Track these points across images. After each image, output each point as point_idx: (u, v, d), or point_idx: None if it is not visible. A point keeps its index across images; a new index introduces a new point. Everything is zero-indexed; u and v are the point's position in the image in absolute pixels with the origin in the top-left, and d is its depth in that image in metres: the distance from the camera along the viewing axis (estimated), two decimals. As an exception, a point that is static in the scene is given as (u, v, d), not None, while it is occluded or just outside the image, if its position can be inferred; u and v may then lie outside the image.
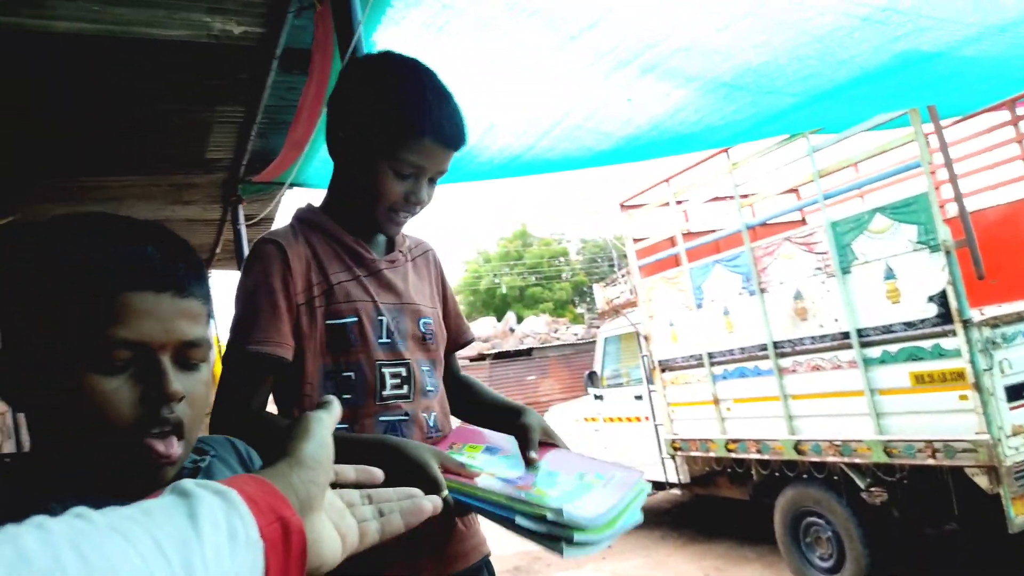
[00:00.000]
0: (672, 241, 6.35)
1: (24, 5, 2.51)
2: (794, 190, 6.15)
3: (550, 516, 1.08)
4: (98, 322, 0.70)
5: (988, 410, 3.85)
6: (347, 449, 0.88)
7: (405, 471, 1.18)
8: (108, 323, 0.70)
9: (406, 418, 1.40)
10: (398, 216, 1.40)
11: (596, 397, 8.01)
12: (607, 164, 3.63)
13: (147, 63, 3.08)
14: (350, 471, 0.75)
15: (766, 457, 5.33)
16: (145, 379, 0.72)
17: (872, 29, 2.43)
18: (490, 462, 1.32)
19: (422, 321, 1.47)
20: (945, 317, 4.01)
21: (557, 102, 2.88)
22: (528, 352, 19.83)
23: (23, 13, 2.56)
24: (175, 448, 0.74)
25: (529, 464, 1.30)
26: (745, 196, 5.57)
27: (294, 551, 0.56)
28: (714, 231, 6.27)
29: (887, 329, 4.33)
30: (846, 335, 4.56)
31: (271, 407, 1.38)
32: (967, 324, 3.92)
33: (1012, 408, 3.91)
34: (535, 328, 22.40)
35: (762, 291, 5.18)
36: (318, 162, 3.77)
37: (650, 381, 6.79)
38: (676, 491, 6.91)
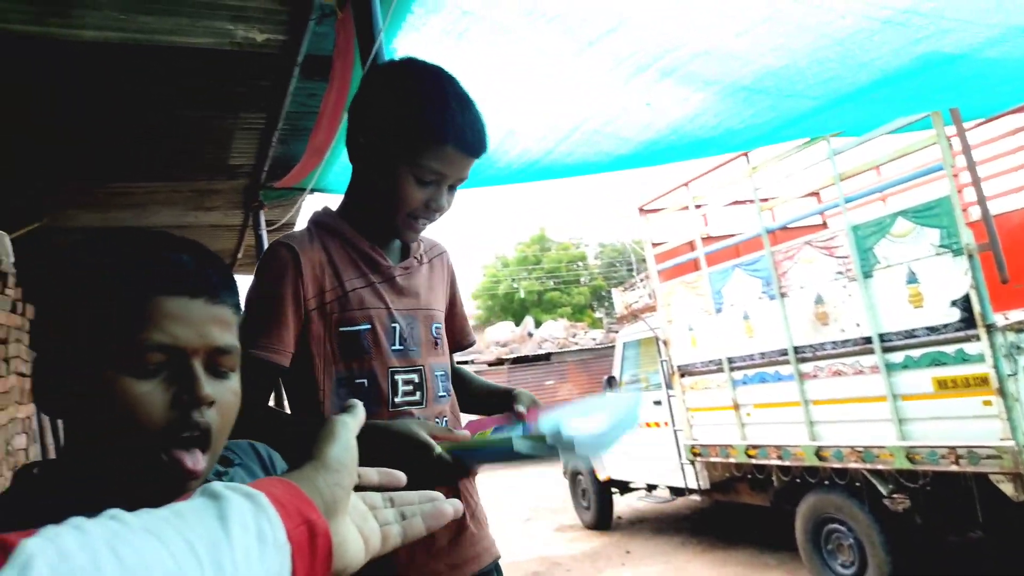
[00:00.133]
0: (691, 245, 6.33)
1: (51, 15, 2.55)
2: (815, 193, 6.12)
3: (549, 440, 1.13)
4: (132, 326, 0.71)
5: (1013, 416, 3.80)
6: None
7: (395, 446, 1.20)
8: (142, 327, 0.71)
9: None
10: (417, 223, 1.40)
11: (615, 402, 7.97)
12: (626, 168, 3.63)
13: (170, 71, 3.13)
14: (373, 474, 0.76)
15: (787, 463, 5.28)
16: (177, 382, 0.73)
17: (893, 31, 2.41)
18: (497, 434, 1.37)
19: (435, 326, 1.48)
20: (968, 322, 3.96)
21: (576, 107, 2.88)
22: (547, 357, 19.84)
23: (51, 23, 2.60)
24: (201, 463, 0.75)
25: (520, 418, 1.39)
26: (765, 200, 5.54)
27: (320, 554, 0.57)
28: (734, 235, 6.25)
29: (910, 334, 4.29)
30: (868, 340, 4.52)
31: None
32: (991, 329, 3.87)
33: (1037, 414, 3.85)
34: (553, 333, 22.35)
35: (782, 295, 5.15)
36: (338, 168, 3.80)
37: (669, 386, 6.76)
38: (696, 497, 6.86)
